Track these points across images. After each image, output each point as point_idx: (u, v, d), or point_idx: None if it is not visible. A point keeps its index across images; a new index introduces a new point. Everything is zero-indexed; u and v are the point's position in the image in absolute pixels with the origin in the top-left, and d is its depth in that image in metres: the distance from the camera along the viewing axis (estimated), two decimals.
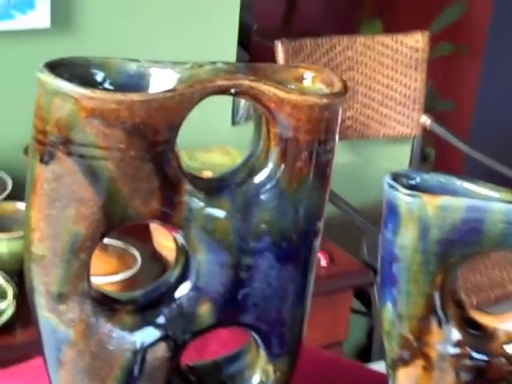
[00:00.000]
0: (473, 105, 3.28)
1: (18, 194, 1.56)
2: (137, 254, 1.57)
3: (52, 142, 0.55)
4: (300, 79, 0.61)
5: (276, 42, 1.96)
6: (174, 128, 0.56)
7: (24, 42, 1.78)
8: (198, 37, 1.92)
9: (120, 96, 0.53)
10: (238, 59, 2.01)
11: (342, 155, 2.26)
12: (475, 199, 0.59)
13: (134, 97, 0.54)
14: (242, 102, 1.98)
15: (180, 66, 0.59)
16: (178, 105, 0.55)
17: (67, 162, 0.55)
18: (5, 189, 1.70)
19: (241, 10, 1.96)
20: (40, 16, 1.76)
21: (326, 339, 1.70)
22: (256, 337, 0.65)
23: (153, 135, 0.55)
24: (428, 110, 2.26)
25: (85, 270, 0.58)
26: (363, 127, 2.13)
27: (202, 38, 1.92)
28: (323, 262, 1.68)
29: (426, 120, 2.18)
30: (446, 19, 3.13)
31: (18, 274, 1.46)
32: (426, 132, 2.23)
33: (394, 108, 2.15)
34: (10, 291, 1.43)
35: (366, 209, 2.07)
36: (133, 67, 0.59)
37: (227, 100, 1.97)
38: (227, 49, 1.97)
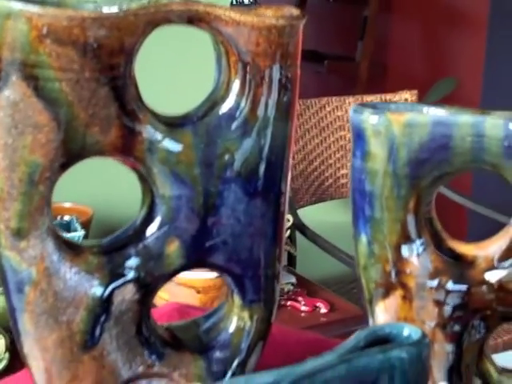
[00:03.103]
0: (469, 183, 3.27)
1: None
2: None
3: (6, 67, 0.54)
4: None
5: None
6: (129, 52, 0.56)
7: None
8: None
9: (71, 13, 0.53)
10: None
11: (339, 213, 2.25)
12: (441, 115, 0.58)
13: (85, 13, 0.53)
14: None
15: (137, 1, 0.59)
16: (132, 26, 0.55)
17: (21, 86, 0.54)
18: None
19: None
20: None
21: None
22: (229, 281, 0.62)
23: (107, 57, 0.54)
24: None
25: (45, 205, 0.56)
26: None
27: None
28: (323, 310, 1.65)
29: None
30: (437, 94, 3.18)
31: (11, 329, 1.43)
32: None
33: None
34: (3, 343, 1.40)
35: None
36: (89, 7, 0.59)
37: None
38: None
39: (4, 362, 1.37)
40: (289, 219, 1.78)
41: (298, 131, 2.01)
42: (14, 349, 1.36)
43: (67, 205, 1.74)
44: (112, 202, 1.87)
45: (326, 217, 2.26)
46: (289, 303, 1.68)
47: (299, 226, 1.98)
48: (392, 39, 3.54)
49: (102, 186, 1.93)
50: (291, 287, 1.75)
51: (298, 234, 2.01)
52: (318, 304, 1.66)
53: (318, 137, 2.06)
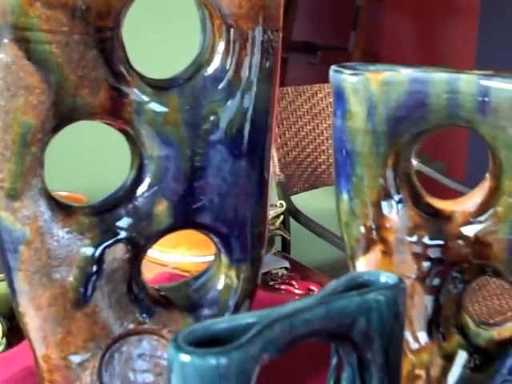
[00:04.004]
0: (463, 167, 3.30)
1: None
2: None
3: None
4: None
5: None
6: (117, 16, 0.58)
7: None
8: None
9: None
10: None
11: (332, 199, 2.27)
12: (418, 73, 0.60)
13: None
14: None
15: None
16: None
17: (13, 49, 0.56)
18: None
19: None
20: None
21: None
22: (216, 241, 0.64)
23: (95, 20, 0.57)
24: (418, 172, 2.27)
25: (37, 166, 0.58)
26: None
27: None
28: (316, 292, 1.67)
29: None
30: None
31: (8, 316, 1.45)
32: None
33: None
34: (0, 329, 1.42)
35: None
36: None
37: None
38: None
39: (1, 348, 1.39)
40: (282, 204, 1.80)
41: (290, 117, 2.04)
42: (11, 335, 1.38)
43: (63, 193, 1.76)
44: (106, 190, 1.89)
45: (319, 203, 2.28)
46: (283, 287, 1.71)
47: (292, 212, 2.00)
48: (384, 29, 3.56)
49: (96, 175, 1.95)
50: (285, 272, 1.77)
51: (291, 221, 2.03)
52: (312, 287, 1.68)
53: (311, 123, 2.08)
